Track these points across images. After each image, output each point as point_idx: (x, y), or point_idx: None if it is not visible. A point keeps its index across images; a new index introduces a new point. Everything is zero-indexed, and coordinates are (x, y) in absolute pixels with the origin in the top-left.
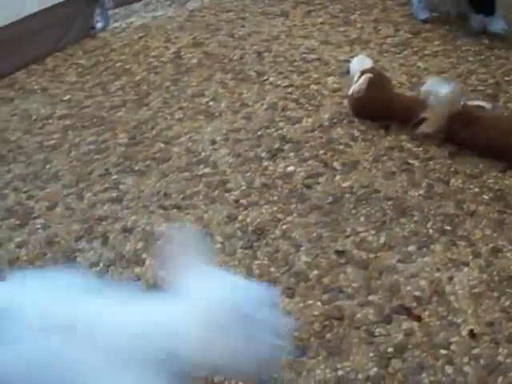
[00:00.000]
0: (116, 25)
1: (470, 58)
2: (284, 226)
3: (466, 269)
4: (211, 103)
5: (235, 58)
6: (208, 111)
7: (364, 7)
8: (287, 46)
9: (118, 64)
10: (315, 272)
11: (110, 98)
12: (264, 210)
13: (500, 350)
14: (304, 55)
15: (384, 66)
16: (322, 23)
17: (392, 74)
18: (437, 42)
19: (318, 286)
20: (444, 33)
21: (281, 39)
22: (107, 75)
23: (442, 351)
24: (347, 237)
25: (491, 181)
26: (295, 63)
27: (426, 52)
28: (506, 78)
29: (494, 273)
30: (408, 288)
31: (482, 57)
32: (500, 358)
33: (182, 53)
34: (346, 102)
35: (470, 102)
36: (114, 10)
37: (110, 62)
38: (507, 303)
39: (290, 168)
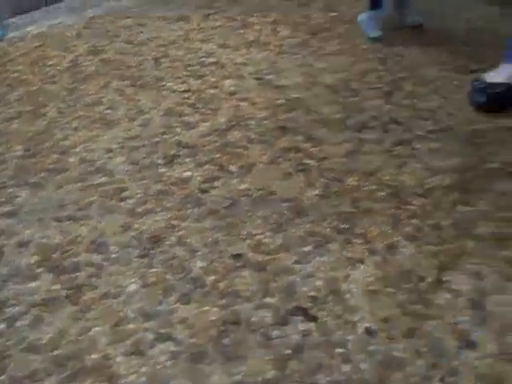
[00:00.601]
0: (13, 34)
1: (369, 56)
2: (180, 233)
3: (361, 266)
4: (108, 111)
5: (133, 64)
6: (105, 119)
7: (263, 9)
8: (185, 50)
9: (15, 75)
10: (211, 277)
11: (6, 109)
12: (160, 218)
13: (396, 345)
14: (202, 59)
15: (282, 67)
16: (220, 26)
17: (289, 74)
18: (335, 42)
19: (214, 292)
20: (342, 32)
21: (179, 44)
22: (3, 86)
23: (339, 350)
24: (243, 240)
25: (387, 178)
26: (193, 67)
27: (324, 52)
28: (402, 75)
29: (390, 269)
30: (304, 288)
31: (380, 55)
32: (396, 353)
33: (80, 61)
34: (242, 104)
35: None
36: (12, 19)
37: (6, 72)
38: (403, 298)
39: (187, 173)
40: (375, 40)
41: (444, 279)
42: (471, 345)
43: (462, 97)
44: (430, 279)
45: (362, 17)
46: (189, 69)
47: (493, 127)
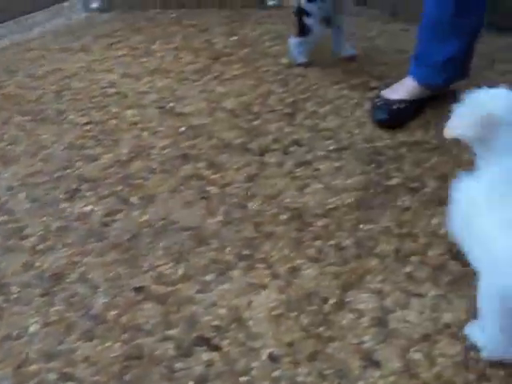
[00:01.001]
0: None
1: (270, 79)
2: (81, 269)
3: (264, 292)
4: (9, 147)
5: (34, 98)
6: (5, 156)
7: (165, 36)
8: (87, 81)
9: None
10: (113, 312)
11: None
12: (61, 254)
13: (300, 369)
14: (104, 90)
15: (184, 94)
16: (123, 55)
17: (191, 101)
18: (236, 66)
19: (116, 327)
20: (244, 55)
21: (81, 75)
22: None
23: (243, 378)
24: (145, 272)
25: (288, 200)
26: (95, 99)
27: (226, 76)
28: (303, 96)
29: (293, 292)
30: (207, 318)
31: (280, 76)
32: (300, 378)
33: None
34: (144, 133)
35: None
36: None
37: None
38: (306, 321)
39: (88, 208)
40: (303, 65)
41: (347, 299)
42: (375, 364)
43: (362, 115)
44: (333, 300)
45: (291, 42)
46: (91, 100)
47: (393, 144)
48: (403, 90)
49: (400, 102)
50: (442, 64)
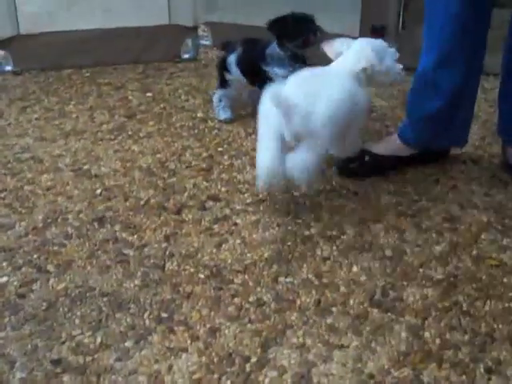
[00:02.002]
0: None
1: (185, 134)
2: None
3: (184, 355)
4: None
5: None
6: None
7: (79, 96)
8: (1, 147)
9: None
10: None
11: None
12: None
13: None
14: (18, 155)
15: (99, 155)
16: (37, 119)
17: (106, 162)
18: (151, 123)
19: None
20: (159, 112)
21: None
22: None
23: None
24: (63, 343)
25: (207, 258)
26: (9, 165)
27: (141, 134)
28: (220, 149)
29: (213, 354)
30: None
31: (196, 131)
32: None
33: None
34: (59, 198)
35: None
36: None
37: None
38: (228, 383)
39: (3, 279)
40: (225, 121)
41: (269, 356)
42: None
43: None
44: (254, 359)
45: (214, 95)
46: (5, 167)
47: (310, 192)
48: (382, 143)
49: (373, 155)
50: (418, 120)
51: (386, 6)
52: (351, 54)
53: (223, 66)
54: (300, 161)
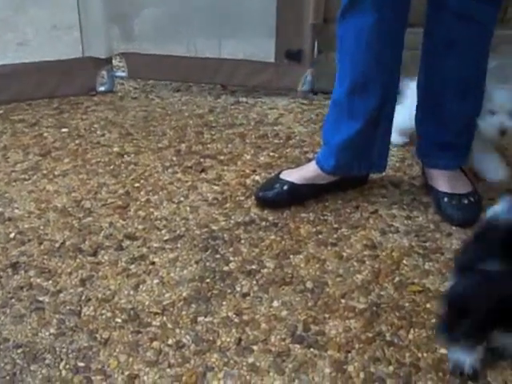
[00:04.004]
0: None
1: (100, 170)
2: None
3: None
4: None
5: None
6: None
7: None
8: None
9: None
10: None
11: None
12: None
13: None
14: None
15: (12, 196)
16: None
17: (20, 204)
18: (66, 160)
19: None
20: (74, 148)
21: None
22: None
23: None
24: None
25: (123, 301)
26: None
27: (56, 172)
28: (136, 185)
29: None
30: None
31: (112, 166)
32: None
33: None
34: None
35: None
36: None
37: None
38: None
39: None
40: None
41: None
42: None
43: (195, 199)
44: None
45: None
46: None
47: (228, 225)
48: (299, 172)
49: (289, 183)
50: (335, 147)
51: (301, 30)
52: None
53: None
54: None
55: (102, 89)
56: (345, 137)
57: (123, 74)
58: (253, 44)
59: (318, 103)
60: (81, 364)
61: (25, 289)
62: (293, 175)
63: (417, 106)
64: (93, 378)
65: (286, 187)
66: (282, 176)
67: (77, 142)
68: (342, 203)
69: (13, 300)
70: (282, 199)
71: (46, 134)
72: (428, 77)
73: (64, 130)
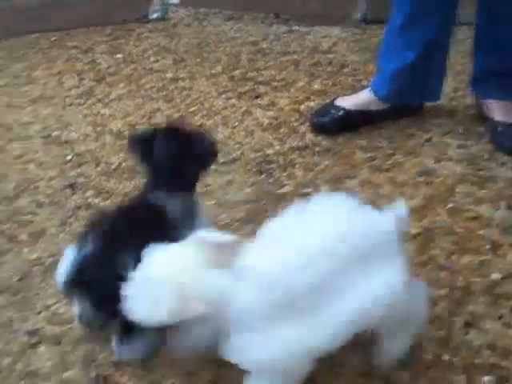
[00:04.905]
0: None
1: (154, 96)
2: None
3: None
4: None
5: None
6: None
7: (48, 61)
8: None
9: None
10: (7, 360)
11: None
12: None
13: None
14: None
15: (68, 120)
16: (4, 86)
17: (76, 127)
18: (121, 85)
19: (11, 375)
20: (128, 74)
21: None
22: None
23: None
24: (38, 313)
25: None
26: None
27: (111, 97)
28: (191, 110)
29: None
30: (104, 355)
31: (166, 92)
32: None
33: None
34: (30, 166)
35: None
36: None
37: None
38: None
39: None
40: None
41: None
42: None
43: (251, 123)
44: None
45: None
46: None
47: (283, 150)
48: (354, 98)
49: (344, 109)
50: (390, 73)
51: None
52: None
53: None
54: None
55: (154, 16)
56: (400, 65)
57: (175, 2)
58: None
59: (371, 32)
60: None
61: (83, 208)
62: (347, 101)
63: (474, 37)
64: None
65: (340, 113)
66: (336, 102)
67: (131, 67)
68: (396, 130)
69: (71, 219)
70: (337, 125)
71: (99, 60)
72: (483, 6)
73: (118, 56)
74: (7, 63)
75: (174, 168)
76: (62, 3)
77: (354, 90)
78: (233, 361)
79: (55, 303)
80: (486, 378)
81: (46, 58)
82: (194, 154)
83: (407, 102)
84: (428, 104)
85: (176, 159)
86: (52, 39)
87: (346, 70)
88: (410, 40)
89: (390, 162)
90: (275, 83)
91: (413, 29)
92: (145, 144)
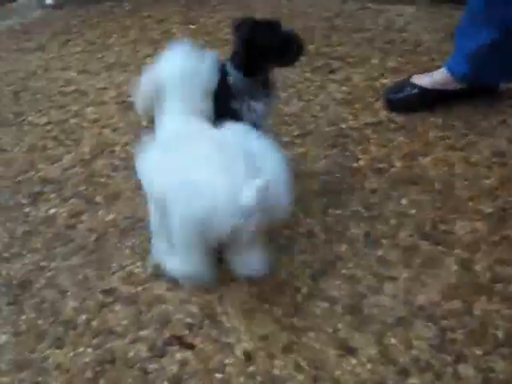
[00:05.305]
0: None
1: None
2: (49, 274)
3: (235, 285)
4: None
5: None
6: None
7: (121, 29)
8: (45, 81)
9: None
10: (83, 317)
11: None
12: (28, 260)
13: (275, 362)
14: (62, 88)
15: None
16: (79, 52)
17: None
18: None
19: (87, 332)
20: (202, 45)
21: (38, 75)
22: None
23: (218, 375)
24: (114, 273)
25: None
26: (53, 98)
27: None
28: None
29: (264, 284)
30: (179, 316)
31: None
32: (276, 372)
33: None
34: (105, 131)
35: None
36: None
37: None
38: (279, 313)
39: (52, 210)
40: None
41: (320, 287)
42: (351, 351)
43: (326, 97)
44: (305, 290)
45: None
46: (50, 100)
47: (357, 125)
48: (430, 77)
49: (419, 87)
50: (467, 53)
51: None
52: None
53: None
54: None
55: None
56: (479, 44)
57: None
58: None
59: (445, 12)
60: None
61: None
62: (423, 79)
63: None
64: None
65: (415, 91)
66: (412, 80)
67: (205, 38)
68: (471, 110)
69: None
70: (412, 102)
71: (174, 30)
72: None
73: (192, 26)
74: (82, 30)
75: (250, 54)
76: None
77: (428, 68)
78: None
79: (131, 264)
80: None
81: (121, 27)
82: (273, 46)
83: (484, 82)
84: (503, 85)
85: (252, 46)
86: (126, 8)
87: (419, 48)
88: (489, 19)
89: (463, 141)
90: (349, 59)
91: (493, 7)
92: (237, 27)
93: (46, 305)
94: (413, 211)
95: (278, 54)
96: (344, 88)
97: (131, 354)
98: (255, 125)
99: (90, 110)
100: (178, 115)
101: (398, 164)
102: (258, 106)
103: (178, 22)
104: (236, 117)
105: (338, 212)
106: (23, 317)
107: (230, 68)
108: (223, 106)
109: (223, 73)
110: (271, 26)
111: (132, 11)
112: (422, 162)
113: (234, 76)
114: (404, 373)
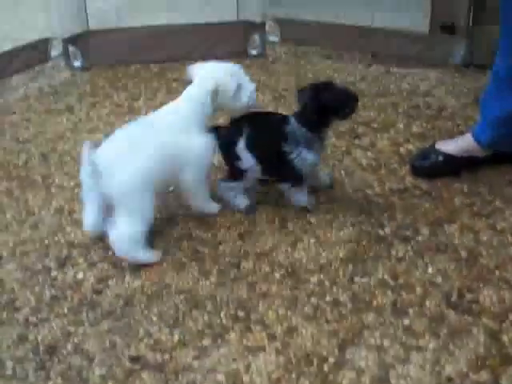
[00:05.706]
0: None
1: None
2: (75, 339)
3: (262, 354)
4: None
5: (20, 163)
6: None
7: (148, 92)
8: (73, 143)
9: None
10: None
11: None
12: (55, 325)
13: None
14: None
15: None
16: (107, 114)
17: None
18: (220, 121)
19: None
20: None
21: (66, 137)
22: None
23: None
24: (141, 340)
25: (281, 257)
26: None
27: None
28: None
29: (291, 354)
30: None
31: None
32: None
33: None
34: None
35: None
36: None
37: None
38: (307, 383)
39: (79, 275)
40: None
41: (346, 357)
42: None
43: (351, 163)
44: (332, 359)
45: (220, 187)
46: (78, 163)
47: (382, 191)
48: (455, 143)
49: (444, 154)
50: (493, 121)
51: (456, 2)
52: (198, 80)
53: (232, 155)
54: (117, 233)
55: (253, 52)
56: (504, 112)
57: (275, 39)
58: (405, 15)
59: (470, 77)
60: (240, 313)
61: (184, 239)
62: (448, 146)
63: None
64: (252, 327)
65: (441, 158)
66: (437, 146)
67: None
68: (496, 176)
69: (174, 249)
70: (438, 169)
71: None
72: None
73: None
74: (109, 92)
75: (308, 112)
76: (164, 36)
77: (453, 134)
78: None
79: (158, 331)
80: None
81: (148, 89)
82: (329, 105)
83: (510, 150)
84: None
85: (308, 106)
86: (153, 71)
87: (444, 113)
88: None
89: (489, 208)
90: (374, 124)
91: None
92: (301, 92)
93: (73, 372)
94: (439, 279)
95: (340, 110)
96: (369, 153)
97: None
98: (301, 171)
99: None
100: None
101: (424, 231)
102: (309, 155)
103: None
104: (283, 159)
105: (364, 280)
106: (49, 383)
107: (293, 122)
108: (273, 146)
109: (284, 122)
110: (329, 86)
111: (159, 74)
112: (448, 230)
113: (296, 128)
114: None
